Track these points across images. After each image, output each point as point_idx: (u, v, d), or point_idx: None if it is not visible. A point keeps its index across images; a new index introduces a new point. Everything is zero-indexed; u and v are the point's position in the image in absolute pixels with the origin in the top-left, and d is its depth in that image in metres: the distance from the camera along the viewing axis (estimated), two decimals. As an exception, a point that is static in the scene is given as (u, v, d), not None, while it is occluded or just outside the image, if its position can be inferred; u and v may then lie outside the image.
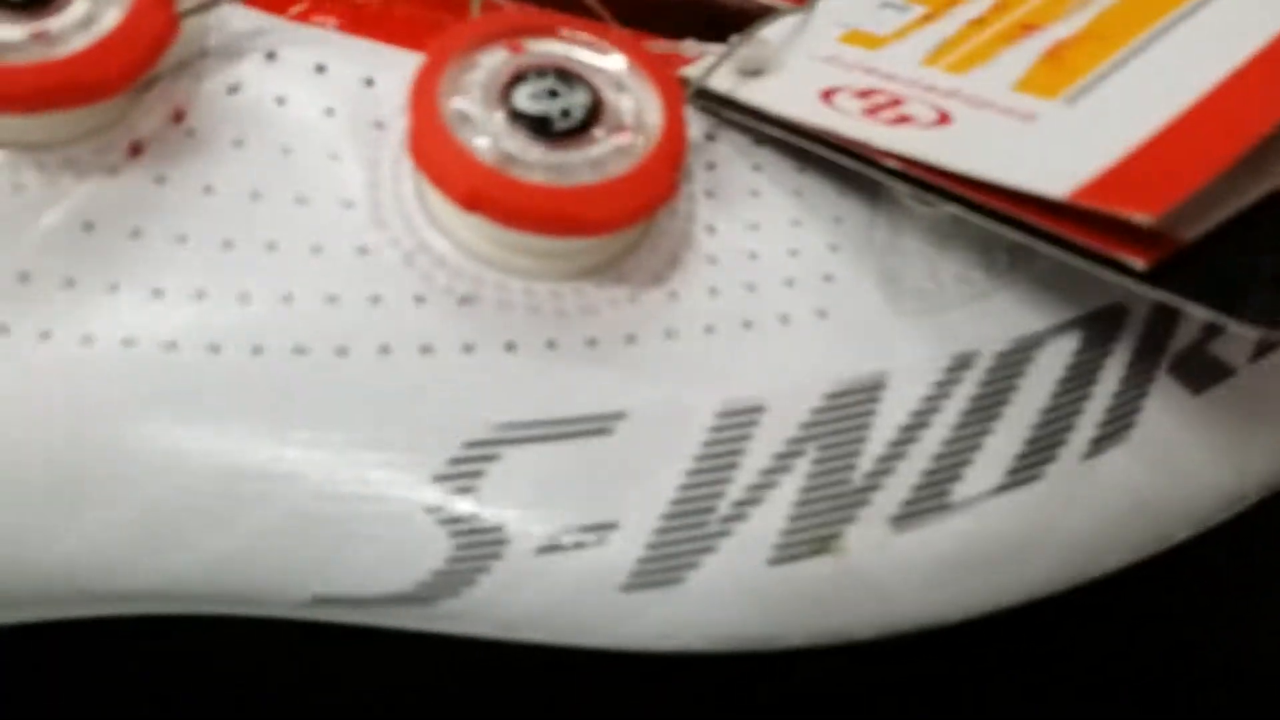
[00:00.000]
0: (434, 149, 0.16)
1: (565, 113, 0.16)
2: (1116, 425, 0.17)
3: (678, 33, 0.21)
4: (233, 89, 0.17)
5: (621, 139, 0.17)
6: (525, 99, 0.16)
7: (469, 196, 0.16)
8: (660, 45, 0.20)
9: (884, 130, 0.17)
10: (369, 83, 0.18)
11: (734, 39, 0.19)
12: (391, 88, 0.17)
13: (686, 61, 0.19)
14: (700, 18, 0.22)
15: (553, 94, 0.17)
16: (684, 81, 0.18)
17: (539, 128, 0.16)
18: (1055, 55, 0.18)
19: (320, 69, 0.17)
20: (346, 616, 0.18)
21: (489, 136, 0.16)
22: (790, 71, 0.19)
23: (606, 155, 0.16)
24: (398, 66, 0.18)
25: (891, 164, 0.17)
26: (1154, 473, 0.17)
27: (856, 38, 0.19)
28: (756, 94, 0.18)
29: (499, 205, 0.16)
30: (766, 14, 0.21)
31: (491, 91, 0.17)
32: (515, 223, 0.16)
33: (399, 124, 0.17)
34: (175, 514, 0.16)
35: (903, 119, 0.17)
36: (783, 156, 0.18)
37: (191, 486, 0.16)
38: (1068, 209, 0.15)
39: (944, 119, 0.17)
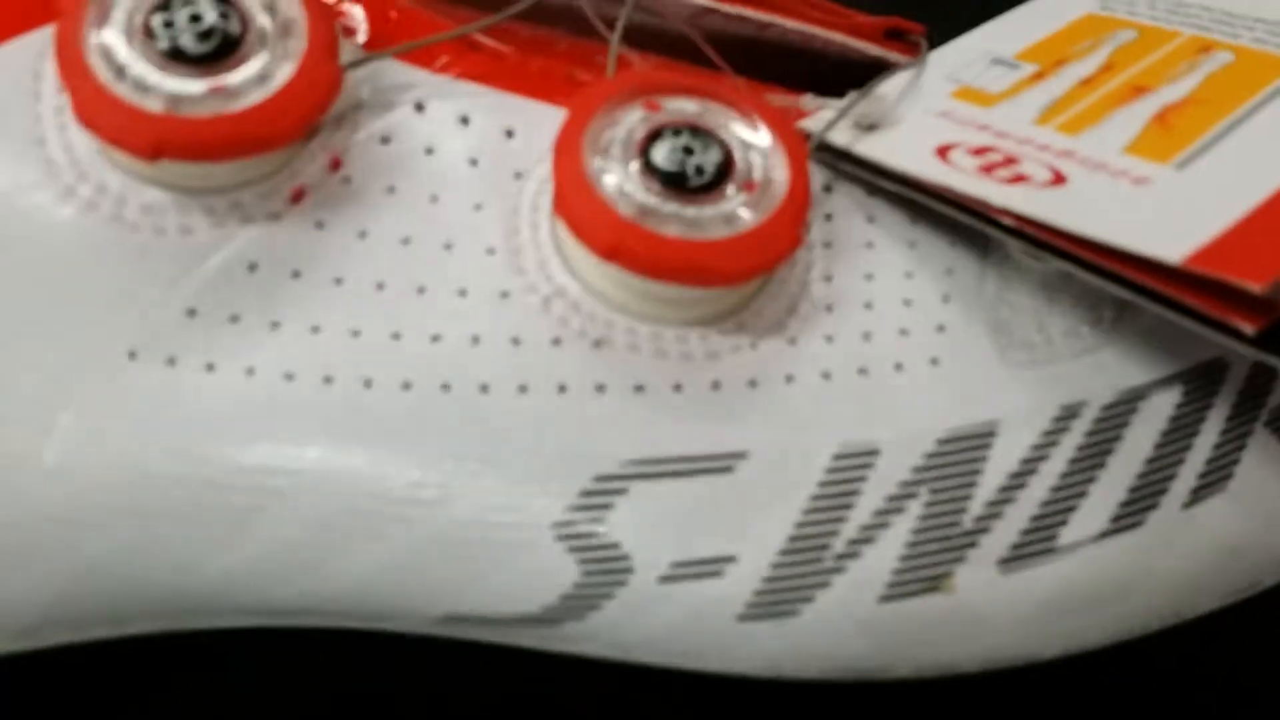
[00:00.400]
0: (577, 202, 0.17)
1: (699, 170, 0.17)
2: (1216, 476, 0.18)
3: (780, 77, 0.22)
4: (385, 139, 0.18)
5: (751, 194, 0.17)
6: (662, 156, 0.17)
7: (609, 248, 0.17)
8: (778, 99, 0.20)
9: (1000, 188, 0.18)
10: (509, 134, 0.18)
11: (851, 94, 0.20)
12: (530, 140, 0.18)
13: (804, 115, 0.20)
14: (803, 65, 0.23)
15: (687, 150, 0.17)
16: (805, 135, 0.19)
17: (674, 182, 0.17)
18: (1164, 119, 0.18)
19: (464, 120, 0.18)
20: (471, 634, 0.19)
21: (627, 190, 0.17)
22: (906, 126, 0.20)
23: (736, 209, 0.17)
24: (536, 118, 0.19)
25: (1008, 221, 0.17)
26: (1249, 521, 0.18)
27: (969, 94, 0.20)
28: (873, 148, 0.19)
29: (637, 257, 0.17)
30: (873, 62, 0.22)
31: (629, 147, 0.17)
32: (652, 273, 0.17)
33: (537, 174, 0.18)
34: (326, 536, 0.17)
35: (1019, 178, 0.18)
36: (896, 208, 0.19)
37: (342, 509, 0.17)
38: (1177, 271, 0.16)
39: (1059, 179, 0.18)
